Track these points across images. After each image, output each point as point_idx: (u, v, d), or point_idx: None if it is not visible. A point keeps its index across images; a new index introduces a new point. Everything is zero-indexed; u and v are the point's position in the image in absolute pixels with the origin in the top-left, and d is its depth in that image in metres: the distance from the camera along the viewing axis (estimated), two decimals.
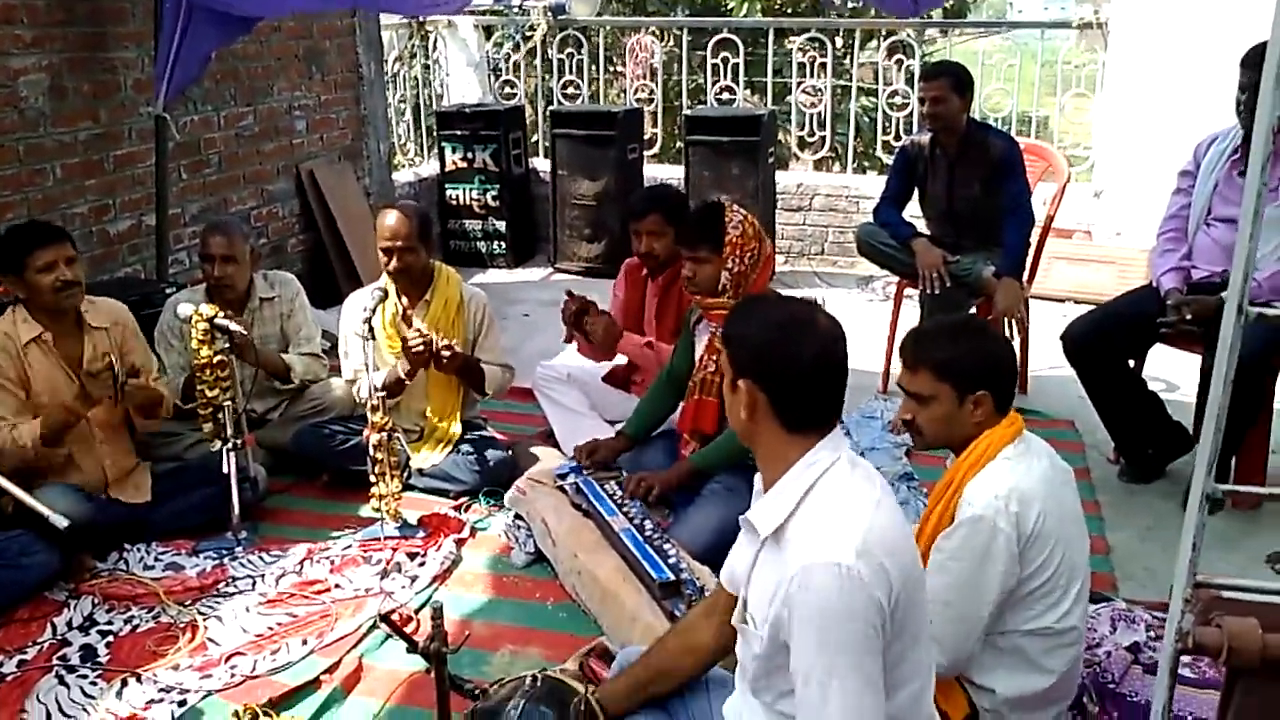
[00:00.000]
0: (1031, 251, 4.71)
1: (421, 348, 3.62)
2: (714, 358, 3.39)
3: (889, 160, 7.27)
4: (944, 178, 4.61)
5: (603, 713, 2.14)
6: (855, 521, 1.73)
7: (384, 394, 3.46)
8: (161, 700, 2.73)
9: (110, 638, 3.02)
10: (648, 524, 3.20)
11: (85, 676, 2.84)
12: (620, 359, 4.26)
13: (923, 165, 4.67)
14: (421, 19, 7.93)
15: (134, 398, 3.42)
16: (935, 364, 2.36)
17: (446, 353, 3.65)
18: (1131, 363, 3.97)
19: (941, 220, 4.71)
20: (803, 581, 1.69)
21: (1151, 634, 2.91)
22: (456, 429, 3.94)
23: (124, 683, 2.81)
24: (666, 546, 3.07)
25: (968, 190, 4.54)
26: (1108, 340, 3.83)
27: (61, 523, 2.49)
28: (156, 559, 3.44)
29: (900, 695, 1.79)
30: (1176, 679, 2.69)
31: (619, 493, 3.38)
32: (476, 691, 2.28)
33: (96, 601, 3.18)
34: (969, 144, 4.51)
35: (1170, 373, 4.51)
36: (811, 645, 1.69)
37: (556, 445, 4.11)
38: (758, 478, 1.96)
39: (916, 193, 4.78)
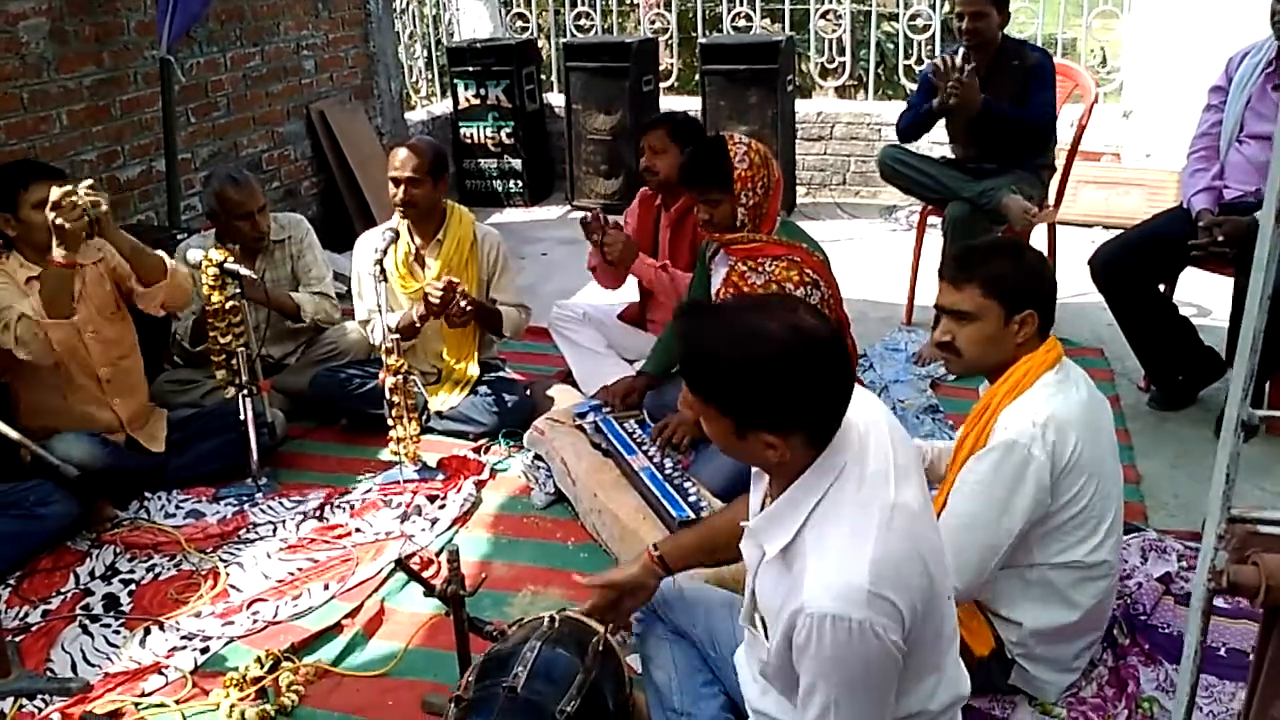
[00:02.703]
0: (1058, 175, 4.61)
1: (441, 296, 3.56)
2: (730, 291, 3.31)
3: (913, 87, 7.13)
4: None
5: (662, 565, 2.12)
6: (862, 556, 1.60)
7: (398, 336, 3.42)
8: (184, 648, 2.73)
9: (132, 586, 3.02)
10: (667, 462, 3.16)
11: (108, 625, 2.85)
12: (635, 298, 4.21)
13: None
14: None
15: (106, 228, 3.16)
16: (984, 279, 2.26)
17: (464, 303, 3.60)
18: (1162, 287, 3.87)
19: (967, 139, 4.57)
20: (815, 629, 1.59)
21: (1183, 564, 2.86)
22: (474, 370, 3.90)
23: (147, 631, 2.81)
24: (686, 485, 3.03)
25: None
26: (1137, 264, 3.73)
27: (71, 472, 2.46)
28: (177, 507, 3.43)
29: (920, 686, 1.75)
30: (1212, 612, 2.66)
31: (638, 431, 3.34)
32: (496, 633, 2.26)
33: (118, 550, 3.18)
34: (1003, 59, 4.38)
35: (1201, 297, 4.41)
36: (822, 683, 1.63)
37: (575, 385, 4.06)
38: (754, 480, 1.89)
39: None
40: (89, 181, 3.19)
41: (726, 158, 3.17)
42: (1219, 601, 2.70)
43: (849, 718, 1.64)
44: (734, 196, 3.18)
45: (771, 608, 1.73)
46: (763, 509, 1.80)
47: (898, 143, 4.71)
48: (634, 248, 3.80)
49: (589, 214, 3.84)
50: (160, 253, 3.46)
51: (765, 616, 1.78)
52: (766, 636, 1.77)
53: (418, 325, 3.72)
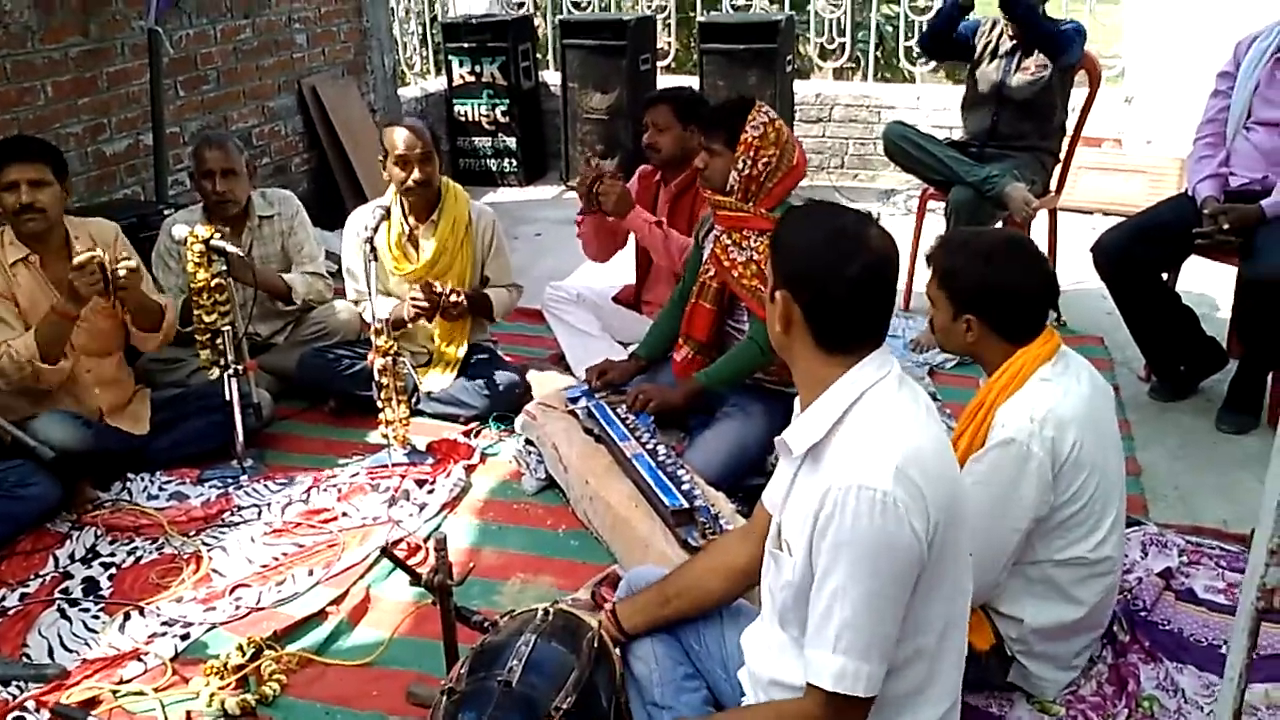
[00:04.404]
0: (1059, 165, 4.56)
1: (426, 307, 3.57)
2: (713, 265, 3.26)
3: (912, 69, 7.06)
4: (1003, 60, 4.43)
5: (618, 628, 2.08)
6: (895, 441, 1.63)
7: (387, 319, 3.35)
8: (164, 634, 2.66)
9: (113, 570, 2.96)
10: (661, 449, 3.09)
11: (87, 610, 2.78)
12: (631, 278, 4.15)
13: (983, 43, 4.50)
14: None
15: (129, 293, 3.21)
16: (938, 270, 2.30)
17: (455, 298, 3.61)
18: (1165, 276, 3.82)
19: (983, 108, 4.51)
20: (839, 503, 1.60)
21: (1184, 559, 2.81)
22: (462, 352, 3.84)
23: (126, 616, 2.75)
24: (680, 472, 2.97)
25: (1024, 73, 4.38)
26: (1141, 252, 3.66)
27: (47, 454, 2.40)
28: (160, 488, 3.37)
29: (928, 630, 1.70)
30: (1213, 609, 2.61)
31: (631, 417, 3.28)
32: (486, 624, 2.20)
33: (99, 533, 3.12)
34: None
35: (1203, 286, 4.35)
36: (838, 566, 1.60)
37: (567, 368, 4.00)
38: (798, 401, 1.84)
39: (967, 77, 4.63)
40: (131, 263, 3.19)
41: (743, 119, 3.12)
42: (1220, 599, 2.66)
43: (857, 608, 1.60)
44: (732, 157, 3.12)
45: (800, 519, 1.69)
46: None
47: (902, 120, 4.65)
48: (629, 198, 3.73)
49: (588, 171, 3.76)
50: (162, 299, 3.43)
51: (790, 540, 1.74)
52: (790, 554, 1.73)
53: (409, 325, 3.68)
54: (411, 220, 3.77)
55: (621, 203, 3.71)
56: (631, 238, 3.91)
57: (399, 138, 3.62)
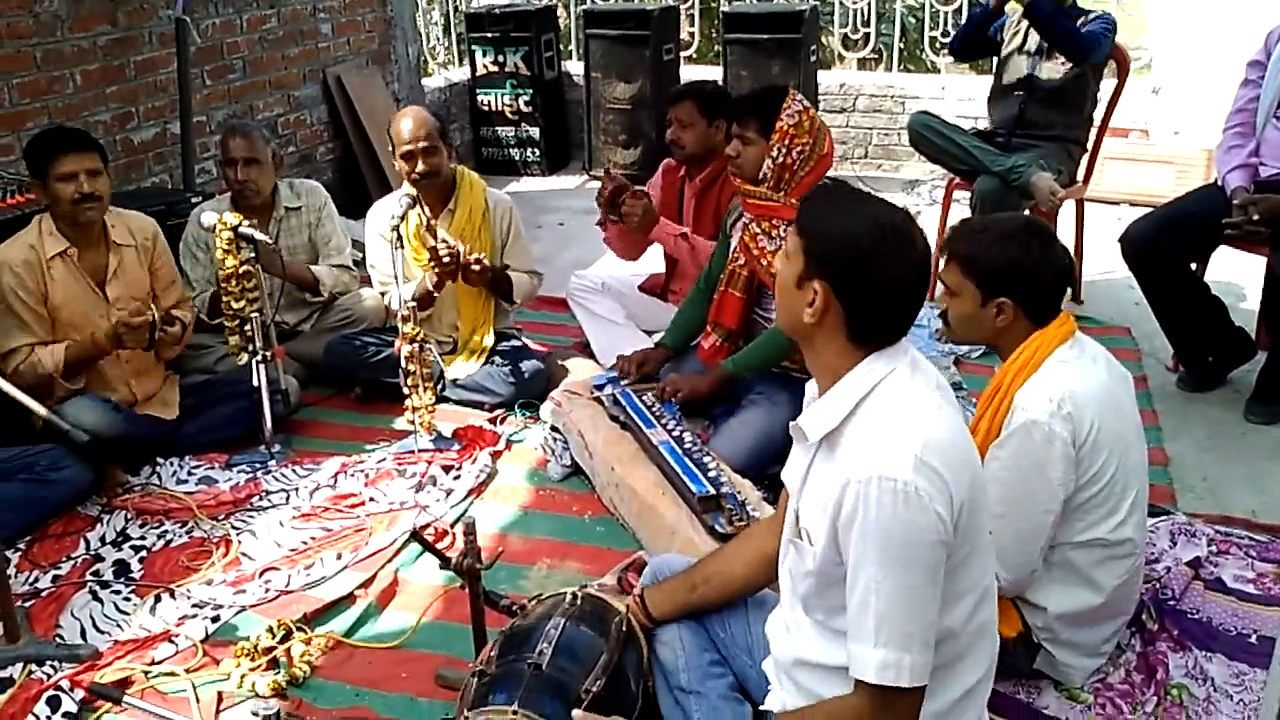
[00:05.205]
0: (1086, 155, 4.53)
1: (449, 259, 3.50)
2: (742, 253, 3.26)
3: (935, 59, 7.04)
4: (1033, 49, 4.40)
5: (646, 614, 2.09)
6: (912, 430, 1.62)
7: (414, 305, 3.37)
8: (195, 616, 2.69)
9: (143, 553, 2.99)
10: (687, 436, 3.10)
11: (119, 592, 2.81)
12: (657, 268, 4.15)
13: (1011, 34, 4.48)
14: None
15: (164, 345, 3.32)
16: (963, 259, 2.27)
17: (476, 266, 3.56)
18: (1194, 266, 3.79)
19: (1011, 97, 4.48)
20: (861, 496, 1.58)
21: (1213, 549, 2.80)
22: (489, 340, 3.84)
23: (157, 598, 2.78)
24: (706, 459, 2.97)
25: (1052, 60, 4.34)
26: (1170, 242, 3.64)
27: (81, 438, 2.42)
28: (190, 473, 3.40)
29: (957, 608, 1.70)
30: (1242, 598, 2.60)
31: (657, 404, 3.29)
32: (514, 608, 2.22)
33: (129, 516, 3.15)
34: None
35: (1232, 276, 4.32)
36: (868, 559, 1.60)
37: (592, 356, 4.01)
38: (810, 385, 1.84)
39: (995, 66, 4.60)
40: (176, 330, 3.29)
41: (778, 107, 3.13)
42: (1249, 588, 2.65)
43: (892, 599, 1.59)
44: (767, 145, 3.13)
45: (818, 507, 1.69)
46: None
47: (928, 110, 4.63)
48: (654, 214, 3.74)
49: (606, 184, 3.76)
50: (184, 315, 3.46)
51: (809, 528, 1.73)
52: (811, 544, 1.72)
53: (434, 294, 3.65)
54: (427, 211, 3.77)
55: (646, 220, 3.72)
56: None
57: (403, 130, 3.62)
